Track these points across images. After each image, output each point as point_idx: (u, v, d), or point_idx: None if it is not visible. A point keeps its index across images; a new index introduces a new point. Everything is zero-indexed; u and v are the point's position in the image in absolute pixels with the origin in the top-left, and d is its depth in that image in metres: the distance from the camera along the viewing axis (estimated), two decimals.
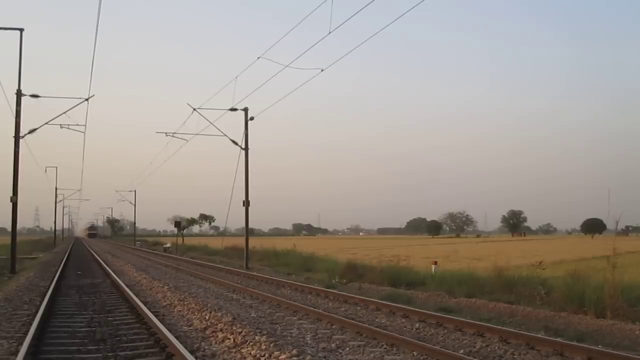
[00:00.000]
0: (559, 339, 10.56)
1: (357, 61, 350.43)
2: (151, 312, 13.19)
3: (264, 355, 9.12)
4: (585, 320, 13.24)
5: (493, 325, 11.93)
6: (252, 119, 33.55)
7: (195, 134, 35.89)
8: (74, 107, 29.64)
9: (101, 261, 36.26)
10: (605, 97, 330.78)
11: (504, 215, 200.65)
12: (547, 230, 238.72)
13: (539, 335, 10.92)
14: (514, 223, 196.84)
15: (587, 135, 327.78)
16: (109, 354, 9.50)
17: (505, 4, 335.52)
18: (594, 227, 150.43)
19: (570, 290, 15.13)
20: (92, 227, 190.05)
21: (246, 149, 33.71)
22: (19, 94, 28.08)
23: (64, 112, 29.96)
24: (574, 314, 14.00)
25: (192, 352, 9.49)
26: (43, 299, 15.62)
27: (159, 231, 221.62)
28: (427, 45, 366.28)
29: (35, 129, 30.06)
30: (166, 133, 36.66)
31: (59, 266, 30.29)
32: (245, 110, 33.41)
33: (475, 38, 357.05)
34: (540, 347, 10.02)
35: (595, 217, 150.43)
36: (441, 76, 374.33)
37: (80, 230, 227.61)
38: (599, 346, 10.27)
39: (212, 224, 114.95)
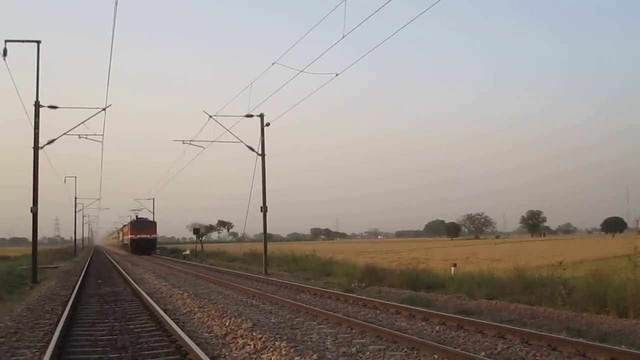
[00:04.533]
0: (581, 340, 10.47)
1: (371, 63, 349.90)
2: (171, 319, 13.27)
3: None
4: (608, 320, 13.10)
5: (514, 327, 11.85)
6: (268, 124, 33.70)
7: (212, 141, 36.03)
8: (92, 117, 29.94)
9: (121, 269, 36.51)
10: (617, 90, 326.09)
11: (523, 216, 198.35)
12: (567, 229, 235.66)
13: (561, 336, 10.81)
14: (534, 223, 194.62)
15: (604, 129, 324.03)
16: None
17: (510, 7, 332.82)
18: (614, 225, 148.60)
19: (591, 290, 14.99)
20: (141, 225, 78.67)
21: (263, 154, 33.82)
22: (37, 105, 28.43)
23: (82, 122, 30.26)
24: (596, 314, 13.86)
25: (212, 358, 9.56)
26: (65, 308, 15.79)
27: (178, 238, 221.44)
28: (437, 47, 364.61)
29: (54, 140, 30.46)
30: (183, 141, 36.65)
31: (80, 275, 30.57)
32: (261, 116, 33.55)
33: (487, 39, 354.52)
34: (563, 348, 9.93)
35: (616, 215, 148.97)
36: (451, 76, 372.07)
37: (101, 238, 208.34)
38: (622, 346, 10.15)
39: (231, 230, 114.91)
